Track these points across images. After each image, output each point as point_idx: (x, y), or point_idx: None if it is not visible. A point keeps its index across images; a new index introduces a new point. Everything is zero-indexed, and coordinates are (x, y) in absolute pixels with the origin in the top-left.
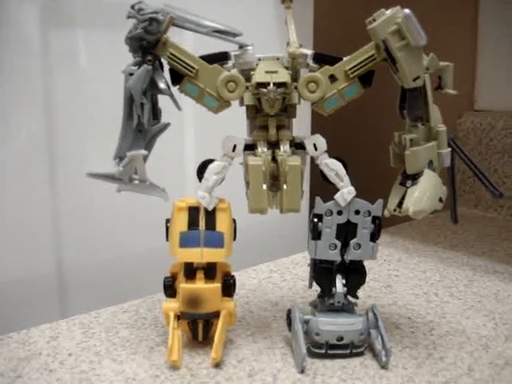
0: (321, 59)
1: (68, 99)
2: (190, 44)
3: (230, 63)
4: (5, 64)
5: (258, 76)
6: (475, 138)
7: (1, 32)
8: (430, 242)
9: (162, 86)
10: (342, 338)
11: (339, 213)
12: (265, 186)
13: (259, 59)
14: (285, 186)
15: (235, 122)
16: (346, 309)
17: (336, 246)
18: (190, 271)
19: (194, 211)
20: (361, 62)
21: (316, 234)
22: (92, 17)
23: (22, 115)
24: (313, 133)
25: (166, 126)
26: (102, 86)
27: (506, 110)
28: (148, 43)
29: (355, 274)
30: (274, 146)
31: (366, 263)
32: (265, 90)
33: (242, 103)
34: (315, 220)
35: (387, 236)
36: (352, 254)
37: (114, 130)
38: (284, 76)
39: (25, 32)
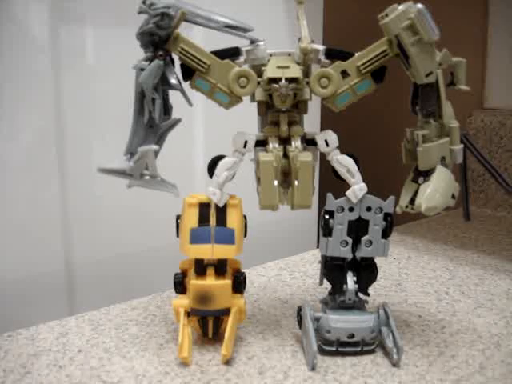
0: (333, 54)
1: (76, 96)
2: (199, 40)
3: (242, 59)
4: (13, 61)
5: (270, 71)
6: (485, 136)
7: (9, 29)
8: (439, 241)
9: (173, 81)
10: (353, 336)
11: (351, 209)
12: (276, 182)
13: (271, 55)
14: (296, 182)
15: (246, 117)
16: (357, 306)
17: (347, 243)
18: (201, 268)
19: (204, 207)
20: (373, 58)
21: (327, 230)
22: (100, 13)
23: (30, 112)
24: (322, 128)
25: (177, 121)
26: (111, 82)
27: None
28: (159, 38)
29: (366, 271)
30: (285, 141)
31: (375, 261)
32: (276, 86)
33: (253, 99)
34: (326, 217)
35: (397, 234)
36: (363, 251)
37: (123, 126)
38: (296, 71)
39: (33, 29)
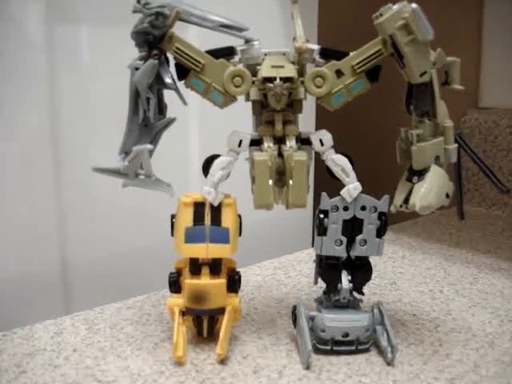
0: (327, 54)
1: (72, 95)
2: (194, 39)
3: (237, 58)
4: (9, 60)
5: (265, 71)
6: (480, 135)
7: (5, 28)
8: (434, 240)
9: (167, 80)
10: (347, 335)
11: (345, 208)
12: (271, 182)
13: (265, 54)
14: (291, 182)
15: (240, 117)
16: (352, 305)
17: (342, 242)
18: (196, 267)
19: (199, 207)
20: (367, 57)
21: (322, 229)
22: (96, 12)
23: (26, 112)
24: (317, 128)
25: (172, 121)
26: (106, 82)
27: (511, 107)
28: (154, 37)
29: (361, 270)
30: (279, 141)
31: (370, 260)
32: (271, 85)
33: (247, 98)
34: (321, 216)
35: (392, 233)
36: (358, 250)
37: (118, 125)
38: (290, 71)
39: (29, 28)
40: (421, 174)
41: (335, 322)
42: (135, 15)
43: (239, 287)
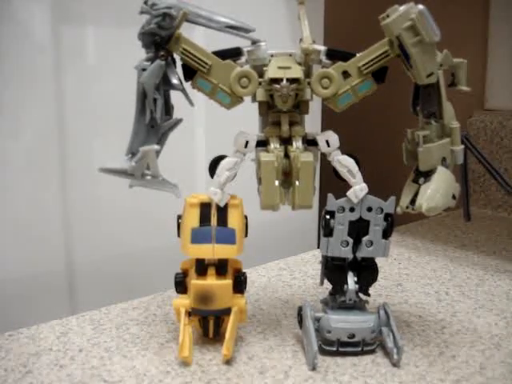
0: (334, 55)
1: (78, 96)
2: (201, 40)
3: (243, 59)
4: (15, 61)
5: (272, 72)
6: (486, 137)
7: (11, 29)
8: (440, 241)
9: (174, 81)
10: (353, 336)
11: (351, 210)
12: (277, 182)
13: (272, 55)
14: (297, 183)
15: (247, 118)
16: (358, 306)
17: (348, 243)
18: (202, 267)
19: (205, 207)
20: (374, 58)
21: (328, 230)
22: (102, 13)
23: (31, 112)
24: (323, 129)
25: (178, 121)
26: (112, 82)
27: None
28: (161, 38)
29: (367, 272)
30: (286, 142)
31: (376, 261)
32: (278, 86)
33: (254, 99)
34: (327, 217)
35: (397, 235)
36: (364, 252)
37: (124, 126)
38: (297, 72)
39: (35, 29)
40: (427, 175)
41: (341, 323)
42: (142, 16)
43: (245, 288)
